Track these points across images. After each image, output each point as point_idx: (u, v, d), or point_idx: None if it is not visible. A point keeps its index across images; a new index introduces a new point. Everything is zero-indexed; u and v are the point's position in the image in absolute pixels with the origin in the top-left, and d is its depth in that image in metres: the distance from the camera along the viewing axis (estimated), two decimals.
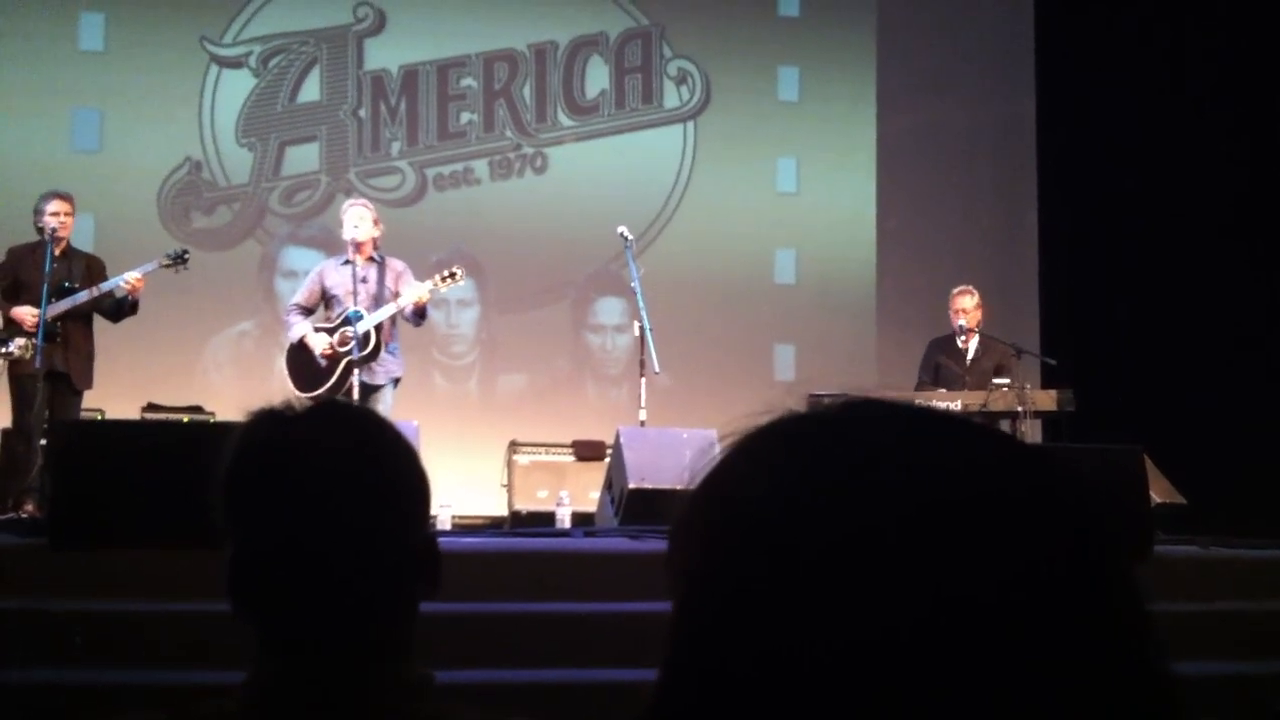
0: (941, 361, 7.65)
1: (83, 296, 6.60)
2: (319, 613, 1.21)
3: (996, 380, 7.20)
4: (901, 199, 9.75)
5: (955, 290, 7.67)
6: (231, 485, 1.25)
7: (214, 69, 8.99)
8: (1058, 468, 0.60)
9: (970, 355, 7.59)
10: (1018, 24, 9.93)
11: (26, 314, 6.48)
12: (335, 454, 1.24)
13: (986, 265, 9.25)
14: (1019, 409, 7.01)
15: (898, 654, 0.54)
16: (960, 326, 7.56)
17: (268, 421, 1.27)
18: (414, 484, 1.28)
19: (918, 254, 9.53)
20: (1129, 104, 9.03)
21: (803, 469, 0.59)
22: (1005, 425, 7.14)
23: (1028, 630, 0.55)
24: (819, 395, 6.76)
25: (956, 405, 7.02)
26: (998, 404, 7.02)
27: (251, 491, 1.24)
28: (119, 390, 7.22)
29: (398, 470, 1.27)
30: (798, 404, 0.64)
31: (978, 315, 7.59)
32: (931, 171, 9.82)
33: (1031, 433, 7.28)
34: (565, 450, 8.03)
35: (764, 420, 0.63)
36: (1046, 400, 7.15)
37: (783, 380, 9.35)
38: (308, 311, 6.78)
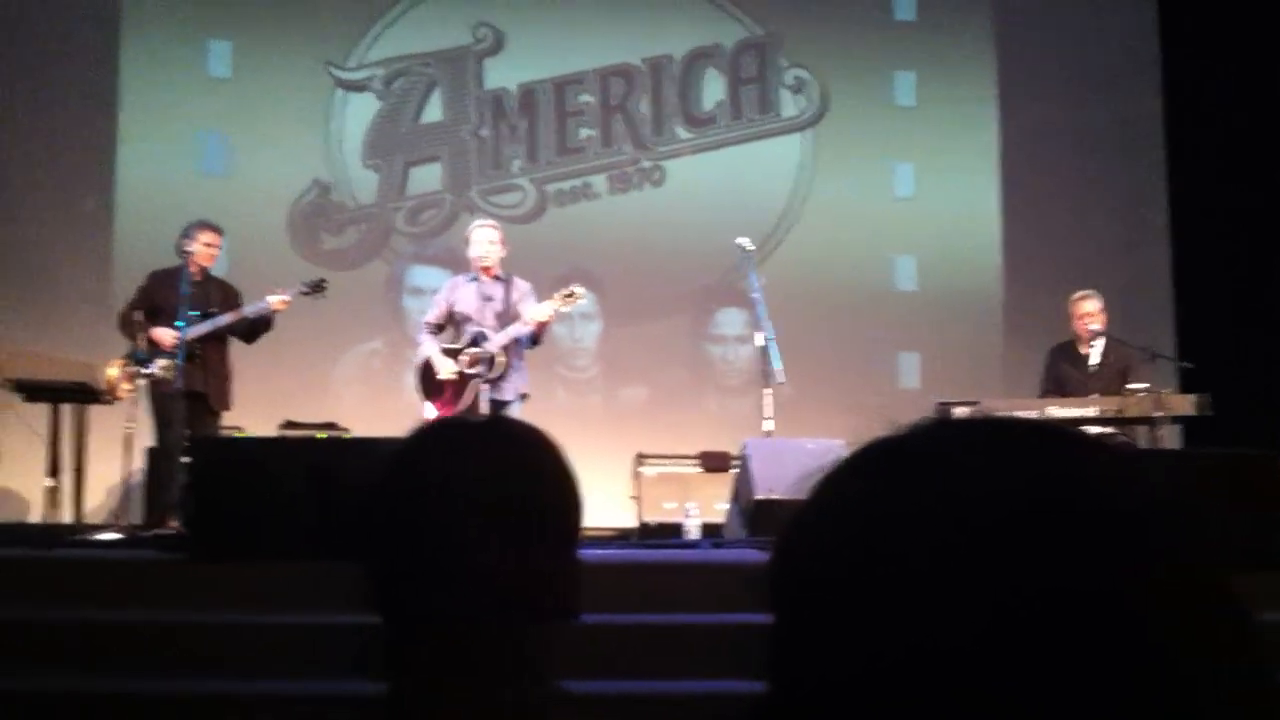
0: (1064, 369, 7.49)
1: (223, 320, 6.82)
2: (462, 629, 1.21)
3: (1131, 385, 7.02)
4: (1025, 201, 9.57)
5: (1075, 295, 7.51)
6: (386, 499, 1.25)
7: (339, 93, 9.21)
8: (1149, 478, 0.60)
9: (1093, 360, 7.42)
10: (1141, 19, 9.70)
11: (167, 335, 6.70)
12: (494, 473, 1.23)
13: (1116, 267, 9.02)
14: (1155, 414, 6.82)
15: (994, 667, 0.54)
16: (1088, 330, 7.40)
17: (429, 437, 1.28)
18: (567, 507, 1.27)
19: (1044, 257, 9.34)
20: (1259, 96, 8.76)
21: (903, 485, 0.59)
22: (1142, 431, 6.97)
23: (1115, 641, 0.55)
24: (946, 403, 6.70)
25: (1091, 411, 6.87)
26: (1133, 409, 6.84)
27: (408, 505, 1.24)
28: (257, 408, 7.41)
29: (555, 492, 1.26)
30: (925, 412, 0.65)
31: (1100, 319, 7.41)
32: (1056, 172, 9.63)
33: (1169, 438, 7.09)
34: (692, 462, 8.04)
35: (884, 433, 0.64)
36: (1183, 405, 6.94)
37: (908, 388, 9.23)
38: (439, 329, 6.93)
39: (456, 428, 1.30)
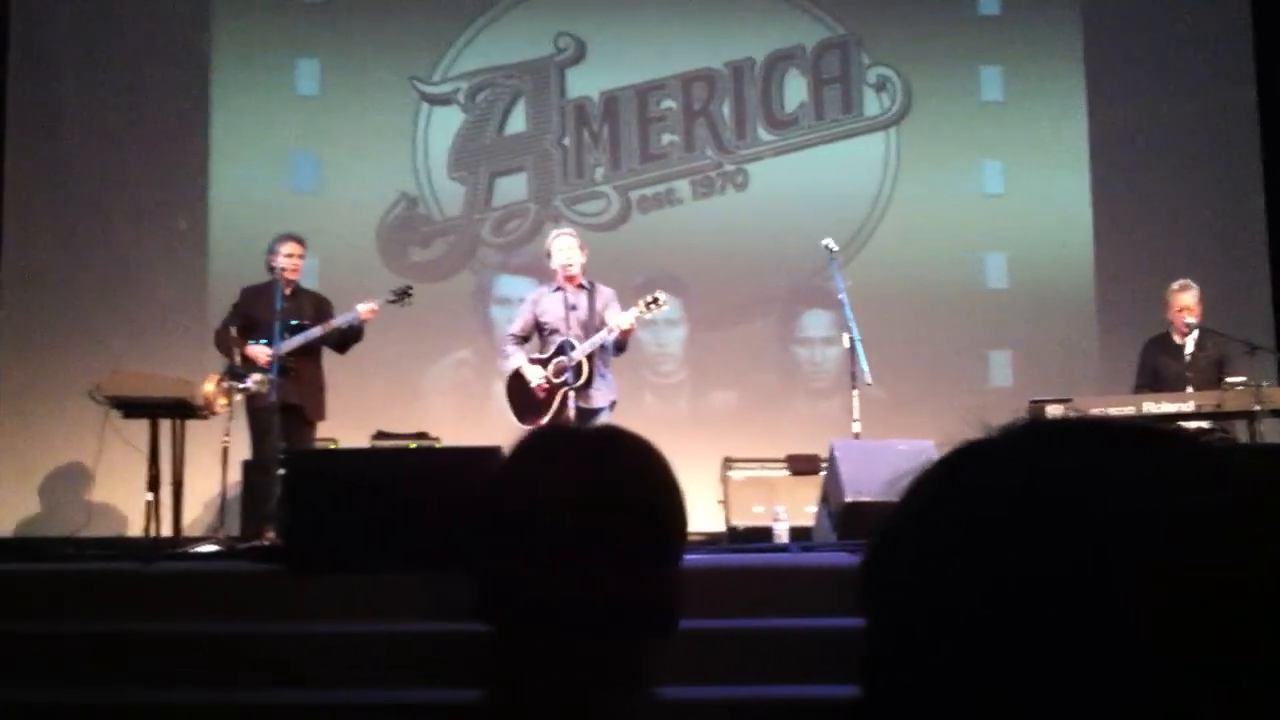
0: (1160, 362, 7.35)
1: (315, 332, 6.93)
2: (567, 639, 1.21)
3: (1230, 379, 6.85)
4: (1117, 195, 9.40)
5: (1173, 286, 7.36)
6: (493, 508, 1.25)
7: (424, 107, 9.32)
8: (1249, 478, 0.58)
9: (1189, 351, 7.26)
10: (1232, 8, 9.48)
11: (261, 351, 6.83)
12: (601, 483, 1.23)
13: (1211, 259, 8.81)
14: (1255, 408, 6.65)
15: (1097, 680, 0.54)
16: (1185, 323, 7.25)
17: (535, 446, 1.28)
18: (674, 518, 1.27)
19: (1137, 251, 9.16)
20: None
21: (995, 490, 0.59)
22: (1241, 426, 6.81)
23: (1213, 645, 0.54)
24: (1039, 401, 6.60)
25: (1187, 406, 6.72)
26: (1231, 403, 6.67)
27: (514, 515, 1.24)
28: (350, 420, 7.53)
29: (662, 503, 1.26)
30: (1017, 411, 0.64)
31: (1197, 311, 7.26)
32: (1147, 165, 9.44)
33: (1270, 432, 6.91)
34: (779, 465, 8.00)
35: (975, 434, 0.63)
36: None
37: (1000, 386, 9.11)
38: (523, 340, 6.99)
39: (562, 437, 1.30)
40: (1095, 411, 6.58)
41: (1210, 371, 7.08)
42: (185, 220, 8.97)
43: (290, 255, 7.02)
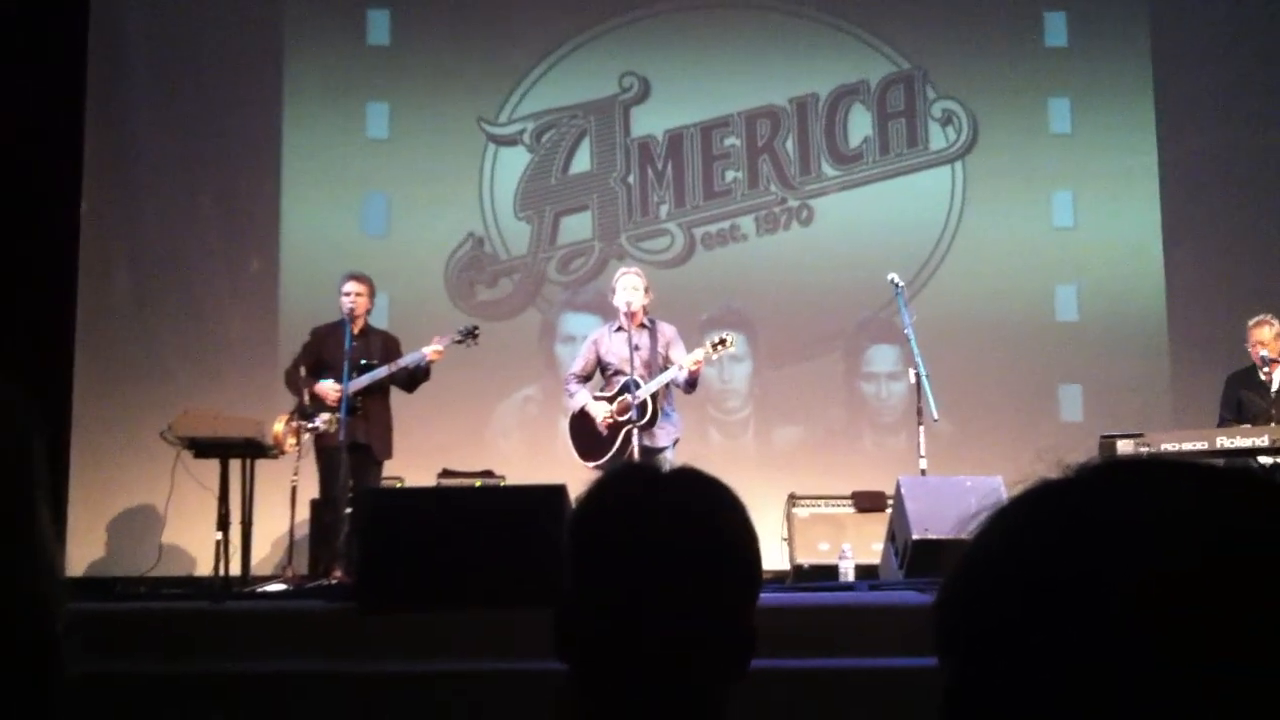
0: (1244, 396, 7.21)
1: (382, 372, 6.99)
2: (644, 680, 1.21)
3: None
4: (1190, 227, 9.27)
5: (1252, 321, 7.24)
6: (580, 541, 1.26)
7: (491, 147, 9.41)
8: None
9: (1275, 387, 7.13)
10: None
11: (330, 389, 6.90)
12: (678, 525, 1.23)
13: None
14: None
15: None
16: (1263, 358, 7.12)
17: (611, 487, 1.28)
18: (750, 561, 1.27)
19: (1211, 284, 9.02)
20: None
21: (1072, 535, 0.58)
22: None
23: None
24: (1110, 436, 6.49)
25: (1262, 440, 6.59)
26: None
27: (601, 548, 1.24)
28: (416, 458, 7.58)
29: (738, 545, 1.27)
30: (1088, 446, 0.63)
31: (1275, 347, 7.13)
32: (1221, 196, 9.31)
33: None
34: (845, 502, 7.95)
35: (1049, 474, 0.62)
36: None
37: (1070, 421, 8.99)
38: (586, 379, 7.00)
39: (641, 476, 1.30)
40: (1167, 447, 6.46)
41: None
42: (257, 261, 9.11)
43: (349, 294, 7.09)
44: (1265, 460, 6.55)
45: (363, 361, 6.97)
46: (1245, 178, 9.30)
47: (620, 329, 6.86)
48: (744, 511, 1.28)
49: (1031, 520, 0.61)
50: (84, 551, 8.50)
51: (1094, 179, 9.37)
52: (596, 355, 6.98)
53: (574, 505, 1.28)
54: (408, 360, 7.03)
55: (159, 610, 5.52)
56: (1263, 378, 7.17)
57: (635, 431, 6.65)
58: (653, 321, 6.91)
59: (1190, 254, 9.22)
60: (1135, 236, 9.30)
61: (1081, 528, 0.58)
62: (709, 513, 1.25)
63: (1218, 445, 6.53)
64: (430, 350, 7.02)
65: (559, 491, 4.50)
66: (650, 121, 9.45)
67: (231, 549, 6.50)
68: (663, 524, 1.23)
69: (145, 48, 9.26)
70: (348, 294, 7.08)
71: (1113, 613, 0.55)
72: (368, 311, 7.18)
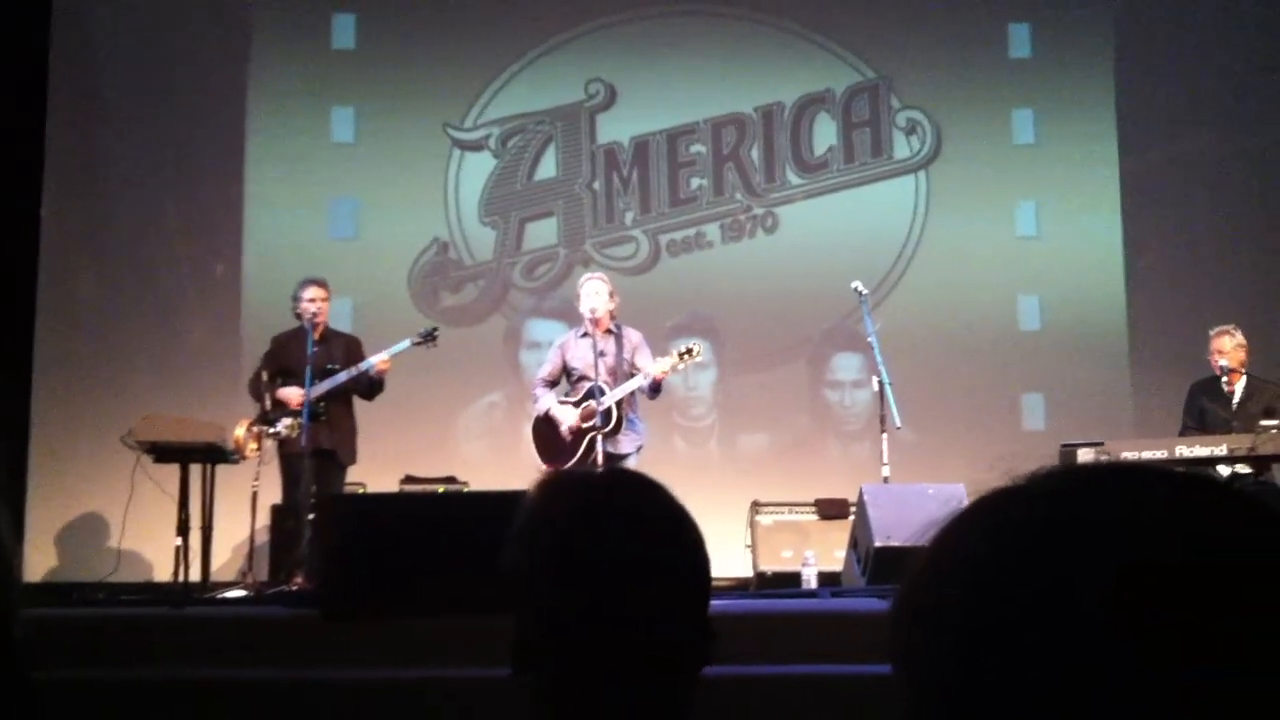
0: (1206, 406, 7.27)
1: (342, 378, 6.96)
2: (597, 684, 1.21)
3: (1265, 422, 6.79)
4: (1151, 237, 9.36)
5: (1214, 331, 7.30)
6: (531, 550, 1.26)
7: (456, 153, 9.39)
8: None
9: (1237, 398, 7.20)
10: (1266, 49, 9.45)
11: (292, 395, 6.87)
12: (645, 523, 1.24)
13: (1249, 302, 8.73)
14: None
15: None
16: (1222, 368, 7.19)
17: (555, 492, 1.29)
18: (696, 561, 1.27)
19: (1172, 294, 9.11)
20: None
21: (1022, 542, 0.58)
22: (1278, 469, 6.73)
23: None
24: (1071, 445, 6.54)
25: (1220, 450, 6.65)
26: (1266, 447, 6.60)
27: (538, 561, 1.24)
28: (379, 464, 7.55)
29: (681, 545, 1.26)
30: (1049, 455, 0.63)
31: (1240, 356, 7.20)
32: (1182, 207, 9.41)
33: None
34: (808, 509, 7.97)
35: (1003, 482, 0.62)
36: None
37: (1033, 430, 9.05)
38: (553, 384, 7.00)
39: (580, 482, 1.30)
40: (1128, 455, 6.52)
41: (1257, 419, 7.00)
42: (221, 265, 9.05)
43: (312, 300, 7.06)
44: (1224, 470, 6.62)
45: (328, 366, 6.94)
46: (1206, 189, 9.40)
47: (586, 335, 6.86)
48: (684, 508, 1.29)
49: (983, 526, 0.61)
50: (42, 557, 8.41)
51: (1057, 189, 9.45)
52: (563, 361, 6.97)
53: (521, 517, 1.28)
54: (363, 365, 6.98)
55: (118, 616, 5.47)
56: (1225, 388, 7.24)
57: (599, 438, 6.64)
58: (619, 327, 6.90)
59: (1152, 264, 9.31)
60: (1098, 247, 9.38)
61: (1056, 532, 0.58)
62: (662, 514, 1.26)
63: (1177, 454, 6.59)
64: (378, 360, 6.97)
65: (522, 498, 4.48)
66: (616, 128, 9.46)
67: (191, 555, 6.44)
68: (619, 528, 1.23)
69: (109, 49, 9.18)
70: (311, 300, 7.04)
71: (1090, 617, 0.55)
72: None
